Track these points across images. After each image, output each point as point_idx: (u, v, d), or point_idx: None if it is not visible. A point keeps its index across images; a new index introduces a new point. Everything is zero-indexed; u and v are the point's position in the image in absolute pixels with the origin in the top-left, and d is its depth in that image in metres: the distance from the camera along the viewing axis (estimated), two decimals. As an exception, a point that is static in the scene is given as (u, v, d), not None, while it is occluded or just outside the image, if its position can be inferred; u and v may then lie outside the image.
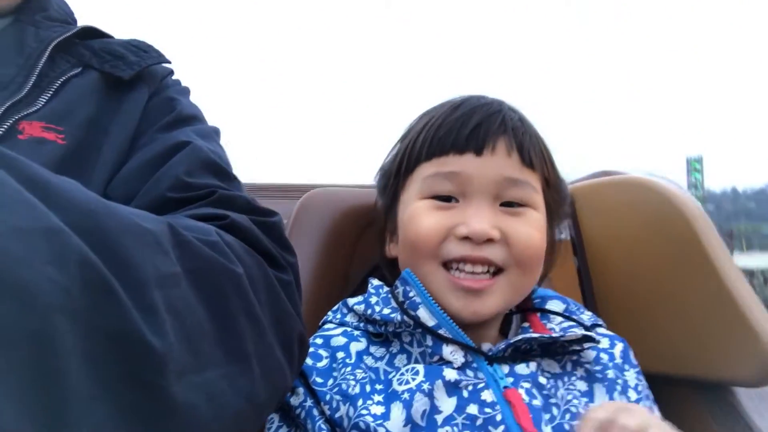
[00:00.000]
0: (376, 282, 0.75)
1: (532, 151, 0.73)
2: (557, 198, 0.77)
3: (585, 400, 0.69)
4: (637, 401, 0.71)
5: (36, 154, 0.54)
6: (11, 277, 0.28)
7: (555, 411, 0.67)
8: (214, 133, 0.68)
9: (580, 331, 0.71)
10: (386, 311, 0.70)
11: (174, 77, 0.73)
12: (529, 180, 0.72)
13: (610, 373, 0.71)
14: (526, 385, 0.67)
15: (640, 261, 0.90)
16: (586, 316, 0.78)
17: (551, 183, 0.76)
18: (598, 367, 0.71)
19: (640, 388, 0.73)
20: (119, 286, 0.33)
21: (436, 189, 0.72)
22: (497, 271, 0.70)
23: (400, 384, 0.66)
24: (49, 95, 0.59)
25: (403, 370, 0.68)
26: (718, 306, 0.78)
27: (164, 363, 0.35)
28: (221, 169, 0.61)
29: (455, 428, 0.63)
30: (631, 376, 0.73)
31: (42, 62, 0.60)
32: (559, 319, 0.76)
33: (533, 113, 0.80)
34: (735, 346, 0.76)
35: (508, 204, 0.71)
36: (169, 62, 0.71)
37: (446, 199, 0.71)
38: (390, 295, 0.73)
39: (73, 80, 0.62)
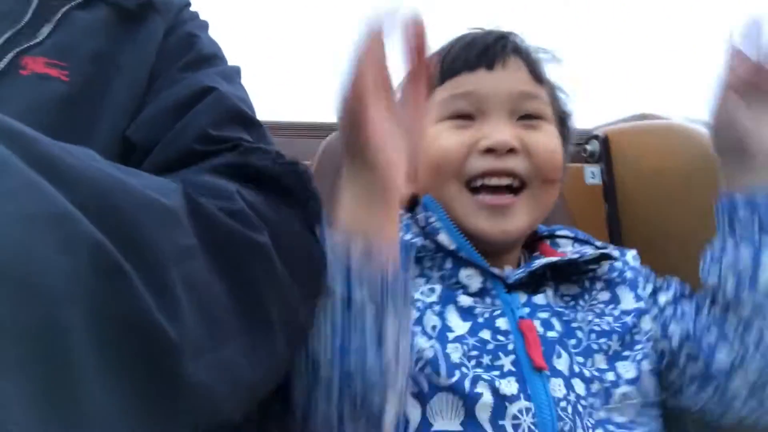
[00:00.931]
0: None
1: (539, 67, 0.75)
2: (564, 114, 0.78)
3: (611, 306, 0.70)
4: (665, 285, 0.75)
5: (38, 91, 0.51)
6: (18, 267, 0.27)
7: (580, 334, 0.67)
8: (236, 73, 0.65)
9: (595, 251, 0.72)
10: (407, 236, 0.71)
11: (191, 9, 0.67)
12: (540, 93, 0.73)
13: (629, 274, 0.73)
14: (543, 315, 0.67)
15: (676, 214, 0.87)
16: (595, 242, 0.78)
17: (558, 99, 0.77)
18: (614, 274, 0.73)
19: (660, 280, 0.75)
20: (132, 270, 0.32)
21: (453, 109, 0.72)
22: (520, 186, 0.70)
23: (416, 292, 0.67)
24: (51, 27, 0.55)
25: (421, 288, 0.68)
26: None
27: (179, 347, 0.33)
28: (247, 119, 0.58)
29: (465, 346, 0.64)
30: (649, 271, 0.76)
31: None
32: (569, 245, 0.77)
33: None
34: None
35: (524, 117, 0.72)
36: (177, 1, 0.66)
37: (464, 117, 0.72)
38: (411, 221, 0.74)
39: (76, 12, 0.57)
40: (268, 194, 0.49)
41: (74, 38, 0.56)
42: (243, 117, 0.58)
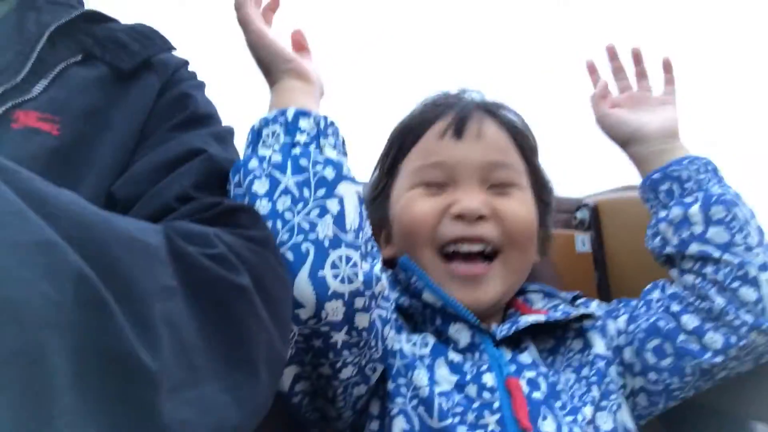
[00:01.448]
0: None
1: (511, 135, 0.77)
2: (540, 181, 0.80)
3: (586, 352, 0.72)
4: (631, 313, 0.78)
5: (28, 144, 0.52)
6: (2, 292, 0.27)
7: (564, 397, 0.68)
8: (229, 134, 0.66)
9: (578, 311, 0.73)
10: (393, 295, 0.71)
11: (189, 69, 0.69)
12: (512, 162, 0.75)
13: (599, 322, 0.76)
14: (530, 374, 0.68)
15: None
16: (564, 294, 0.80)
17: (533, 166, 0.79)
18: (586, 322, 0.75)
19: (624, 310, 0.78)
20: (114, 302, 0.32)
21: (425, 178, 0.74)
22: (493, 253, 0.72)
23: (409, 344, 0.68)
24: (46, 83, 0.56)
25: (415, 339, 0.69)
26: None
27: (157, 381, 0.33)
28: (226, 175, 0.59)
29: (450, 402, 0.64)
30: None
31: (39, 47, 0.56)
32: (540, 299, 0.78)
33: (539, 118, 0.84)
34: (758, 381, 0.74)
35: (495, 186, 0.74)
36: (174, 49, 0.67)
37: (436, 185, 0.74)
38: (394, 280, 0.75)
39: (74, 68, 0.58)
40: (245, 237, 0.49)
41: (68, 94, 0.57)
42: (218, 176, 0.59)
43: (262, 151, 0.61)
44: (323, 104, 0.70)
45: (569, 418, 0.65)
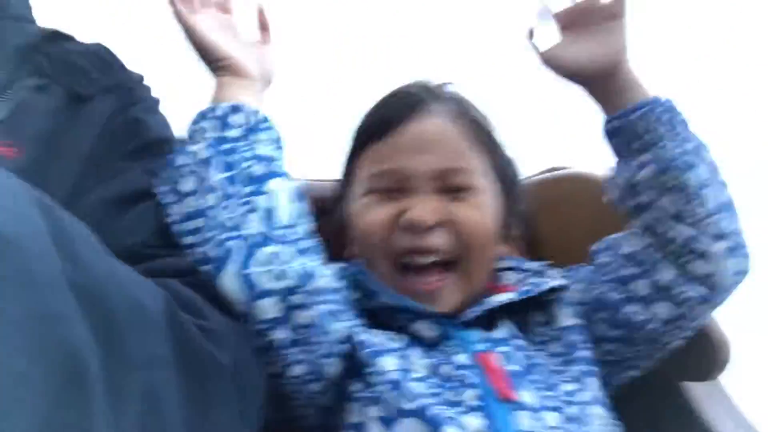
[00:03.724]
0: (339, 266, 0.74)
1: (467, 129, 0.73)
2: (503, 171, 0.76)
3: (553, 325, 0.71)
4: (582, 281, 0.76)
5: None
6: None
7: (541, 370, 0.67)
8: None
9: (549, 283, 0.72)
10: (355, 296, 0.70)
11: (143, 85, 0.68)
12: (468, 165, 0.72)
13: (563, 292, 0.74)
14: (503, 349, 0.67)
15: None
16: (532, 264, 0.79)
17: (494, 158, 0.75)
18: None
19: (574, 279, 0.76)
20: (99, 370, 0.33)
21: (377, 186, 0.72)
22: (447, 264, 0.69)
23: (378, 336, 0.66)
24: (6, 110, 0.55)
25: (389, 334, 0.67)
26: None
27: None
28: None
29: (424, 384, 0.62)
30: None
31: None
32: (513, 273, 0.77)
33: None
34: (687, 342, 0.76)
35: (450, 190, 0.71)
36: (135, 77, 0.67)
37: (390, 190, 0.71)
38: (353, 283, 0.72)
39: (34, 95, 0.58)
40: (228, 315, 0.51)
41: (25, 119, 0.56)
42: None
43: (191, 147, 0.61)
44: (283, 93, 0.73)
45: (547, 393, 0.65)
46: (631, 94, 0.70)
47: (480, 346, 0.67)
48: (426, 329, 0.68)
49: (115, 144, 0.60)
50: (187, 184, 0.59)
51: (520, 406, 0.62)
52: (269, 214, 0.58)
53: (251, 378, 0.50)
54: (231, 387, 0.46)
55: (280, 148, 0.65)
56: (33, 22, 0.64)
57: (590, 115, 0.75)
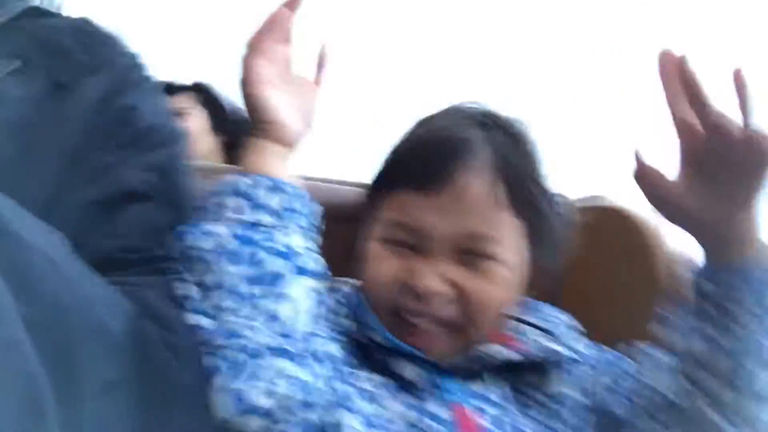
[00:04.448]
0: (346, 288, 0.71)
1: (507, 192, 0.65)
2: (544, 229, 0.68)
3: (551, 394, 0.66)
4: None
5: None
6: None
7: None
8: (178, 156, 0.60)
9: (557, 352, 0.67)
10: (346, 324, 0.66)
11: (140, 65, 0.62)
12: (496, 233, 0.64)
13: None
14: (483, 405, 0.63)
15: (601, 288, 0.84)
16: (549, 319, 0.72)
17: (536, 225, 0.67)
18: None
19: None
20: (54, 402, 0.32)
21: (393, 236, 0.66)
22: (449, 325, 0.64)
23: (356, 379, 0.62)
24: None
25: (363, 375, 0.63)
26: None
27: None
28: (171, 233, 0.56)
29: (390, 428, 0.60)
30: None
31: None
32: (514, 323, 0.70)
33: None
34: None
35: (468, 253, 0.64)
36: (124, 56, 0.60)
37: (404, 244, 0.65)
38: (345, 300, 0.69)
39: (8, 80, 0.52)
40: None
41: (2, 108, 0.51)
42: (164, 232, 0.55)
43: (216, 227, 0.55)
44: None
45: None
46: (738, 248, 0.58)
47: (459, 398, 0.63)
48: (409, 371, 0.64)
49: (105, 135, 0.54)
50: (209, 276, 0.53)
51: None
52: (287, 323, 0.53)
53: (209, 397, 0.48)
54: (192, 409, 0.45)
55: (314, 229, 0.60)
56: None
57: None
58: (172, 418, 0.43)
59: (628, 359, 0.70)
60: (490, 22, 1.74)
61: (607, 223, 0.86)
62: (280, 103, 0.63)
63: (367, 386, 0.62)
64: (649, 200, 0.61)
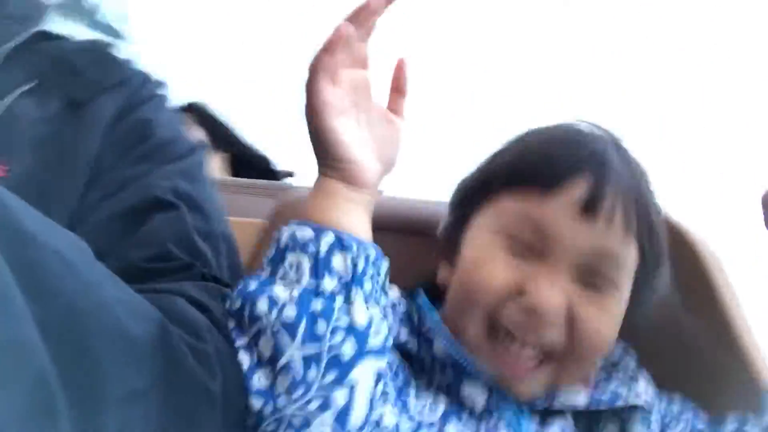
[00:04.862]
0: (393, 294, 0.65)
1: (638, 217, 0.59)
2: (649, 272, 0.62)
3: None
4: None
5: None
6: None
7: None
8: (197, 167, 0.60)
9: (628, 400, 0.62)
10: (403, 336, 0.61)
11: (151, 82, 0.63)
12: (622, 255, 0.58)
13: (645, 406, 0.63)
14: None
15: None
16: (624, 361, 0.67)
17: (647, 256, 0.61)
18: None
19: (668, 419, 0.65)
20: (66, 408, 0.31)
21: (514, 231, 0.58)
22: (548, 353, 0.58)
23: (416, 409, 0.58)
24: None
25: (425, 402, 0.59)
26: (726, 359, 0.72)
27: None
28: (202, 234, 0.55)
29: None
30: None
31: None
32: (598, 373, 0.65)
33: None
34: (740, 401, 0.68)
35: (590, 276, 0.58)
36: (135, 74, 0.61)
37: (522, 243, 0.58)
38: (407, 315, 0.63)
39: (23, 101, 0.53)
40: (228, 339, 0.48)
41: (17, 129, 0.52)
42: (194, 240, 0.54)
43: (278, 290, 0.49)
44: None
45: None
46: None
47: None
48: (477, 396, 0.58)
49: (122, 149, 0.55)
50: (266, 348, 0.48)
51: None
52: (344, 413, 0.47)
53: (238, 406, 0.46)
54: (218, 419, 0.43)
55: (379, 291, 0.53)
56: (31, 18, 0.58)
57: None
58: (201, 427, 0.42)
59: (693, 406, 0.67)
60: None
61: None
62: (354, 138, 0.54)
63: (433, 418, 0.58)
64: None
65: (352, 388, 0.47)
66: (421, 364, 0.61)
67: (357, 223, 0.53)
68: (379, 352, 0.50)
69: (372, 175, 0.55)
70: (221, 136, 1.61)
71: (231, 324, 0.50)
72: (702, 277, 0.75)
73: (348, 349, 0.48)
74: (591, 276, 0.58)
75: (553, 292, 0.56)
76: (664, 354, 0.74)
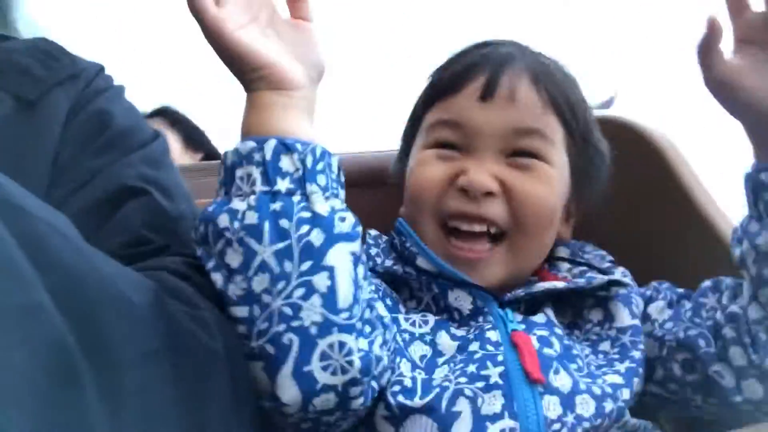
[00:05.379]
0: (373, 232, 0.71)
1: (549, 93, 0.65)
2: (584, 153, 0.68)
3: (606, 325, 0.65)
4: (655, 294, 0.69)
5: None
6: None
7: (580, 362, 0.62)
8: (160, 153, 0.60)
9: (603, 277, 0.66)
10: (388, 263, 0.67)
11: (104, 74, 0.62)
12: (544, 129, 0.65)
13: (622, 290, 0.67)
14: (541, 332, 0.61)
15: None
16: (594, 256, 0.71)
17: (576, 134, 0.67)
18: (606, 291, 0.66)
19: (650, 292, 0.69)
20: (88, 370, 0.31)
21: (439, 137, 0.67)
22: (498, 236, 0.64)
23: (407, 322, 0.62)
24: None
25: (414, 317, 0.63)
26: (697, 242, 0.75)
27: None
28: (173, 221, 0.55)
29: (452, 363, 0.59)
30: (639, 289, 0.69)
31: None
32: (567, 265, 0.71)
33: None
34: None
35: (515, 154, 0.64)
36: (87, 67, 0.60)
37: (450, 146, 0.66)
38: (389, 246, 0.69)
39: None
40: (216, 304, 0.48)
41: None
42: (170, 220, 0.55)
43: (236, 203, 0.50)
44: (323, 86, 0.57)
45: (587, 379, 0.59)
46: None
47: (517, 326, 0.61)
48: (462, 300, 0.63)
49: (82, 142, 0.54)
50: (234, 258, 0.48)
51: (548, 391, 0.56)
52: (330, 295, 0.48)
53: (242, 365, 0.47)
54: (225, 377, 0.44)
55: (341, 184, 0.54)
56: None
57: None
58: (211, 387, 0.42)
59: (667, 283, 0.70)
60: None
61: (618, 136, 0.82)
62: (263, 45, 0.54)
63: (423, 329, 0.62)
64: (706, 79, 0.59)
65: (331, 271, 0.49)
66: (409, 288, 0.67)
67: (296, 125, 0.53)
68: (349, 236, 0.51)
69: (296, 76, 0.55)
70: (194, 139, 1.63)
71: (198, 251, 0.51)
72: (665, 169, 0.78)
73: (317, 237, 0.49)
74: (517, 155, 0.64)
75: (481, 170, 0.63)
76: (638, 249, 0.77)
